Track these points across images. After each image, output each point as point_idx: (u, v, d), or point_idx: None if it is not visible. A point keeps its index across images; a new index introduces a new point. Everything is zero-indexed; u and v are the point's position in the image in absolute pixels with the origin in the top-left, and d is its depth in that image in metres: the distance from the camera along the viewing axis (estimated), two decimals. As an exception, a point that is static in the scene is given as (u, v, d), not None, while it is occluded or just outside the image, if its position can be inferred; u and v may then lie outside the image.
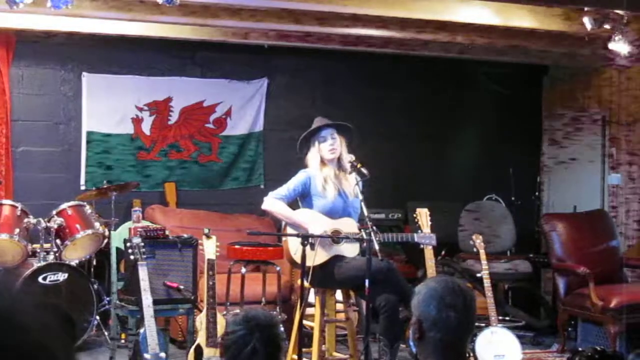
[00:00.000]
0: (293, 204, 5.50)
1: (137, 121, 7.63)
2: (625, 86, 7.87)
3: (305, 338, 5.38)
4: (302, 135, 5.49)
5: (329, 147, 5.39)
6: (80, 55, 7.42)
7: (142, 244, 5.38)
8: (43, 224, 6.21)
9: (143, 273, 5.27)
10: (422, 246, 5.66)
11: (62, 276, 6.10)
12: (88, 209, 6.55)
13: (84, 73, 7.45)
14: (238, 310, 5.62)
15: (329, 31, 6.63)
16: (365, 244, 4.95)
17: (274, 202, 5.38)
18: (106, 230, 6.50)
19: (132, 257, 5.35)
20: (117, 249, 5.91)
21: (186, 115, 7.83)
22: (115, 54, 7.54)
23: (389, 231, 5.69)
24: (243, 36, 6.97)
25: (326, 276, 5.27)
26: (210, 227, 5.89)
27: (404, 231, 7.05)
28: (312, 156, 5.45)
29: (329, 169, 5.43)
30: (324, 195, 5.37)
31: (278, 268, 6.17)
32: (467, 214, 7.73)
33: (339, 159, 5.43)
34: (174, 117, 7.78)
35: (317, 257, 5.19)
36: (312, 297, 5.58)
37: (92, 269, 6.65)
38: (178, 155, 7.83)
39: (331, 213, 5.36)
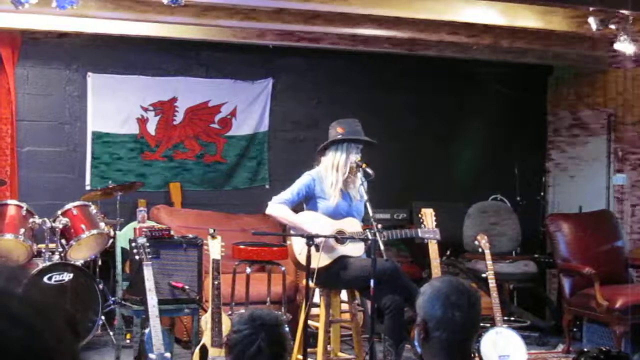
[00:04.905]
0: (298, 207, 5.49)
1: (142, 121, 7.64)
2: (631, 86, 7.86)
3: (310, 338, 5.38)
4: (342, 139, 5.36)
5: (356, 157, 5.37)
6: (85, 56, 7.43)
7: (147, 244, 5.39)
8: (48, 224, 6.22)
9: (148, 273, 5.28)
10: (426, 241, 5.65)
11: (67, 276, 6.10)
12: (93, 209, 6.55)
13: (89, 73, 7.46)
14: (243, 310, 5.62)
15: (334, 31, 6.63)
16: (370, 244, 4.95)
17: (277, 207, 5.37)
18: (111, 230, 6.50)
19: (137, 257, 5.36)
20: (122, 249, 5.92)
21: (191, 115, 7.83)
22: (120, 54, 7.55)
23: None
24: (248, 36, 6.97)
25: (331, 276, 5.27)
26: (215, 227, 5.89)
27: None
28: (336, 158, 5.37)
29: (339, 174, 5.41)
30: (327, 198, 5.36)
31: (283, 268, 6.17)
32: (472, 214, 7.72)
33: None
34: (179, 117, 7.79)
35: (321, 260, 5.18)
36: (317, 297, 5.59)
37: (97, 269, 6.65)
38: (183, 155, 7.83)
39: (334, 215, 5.36)
